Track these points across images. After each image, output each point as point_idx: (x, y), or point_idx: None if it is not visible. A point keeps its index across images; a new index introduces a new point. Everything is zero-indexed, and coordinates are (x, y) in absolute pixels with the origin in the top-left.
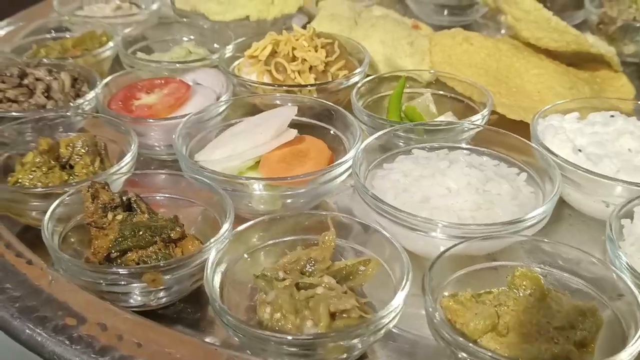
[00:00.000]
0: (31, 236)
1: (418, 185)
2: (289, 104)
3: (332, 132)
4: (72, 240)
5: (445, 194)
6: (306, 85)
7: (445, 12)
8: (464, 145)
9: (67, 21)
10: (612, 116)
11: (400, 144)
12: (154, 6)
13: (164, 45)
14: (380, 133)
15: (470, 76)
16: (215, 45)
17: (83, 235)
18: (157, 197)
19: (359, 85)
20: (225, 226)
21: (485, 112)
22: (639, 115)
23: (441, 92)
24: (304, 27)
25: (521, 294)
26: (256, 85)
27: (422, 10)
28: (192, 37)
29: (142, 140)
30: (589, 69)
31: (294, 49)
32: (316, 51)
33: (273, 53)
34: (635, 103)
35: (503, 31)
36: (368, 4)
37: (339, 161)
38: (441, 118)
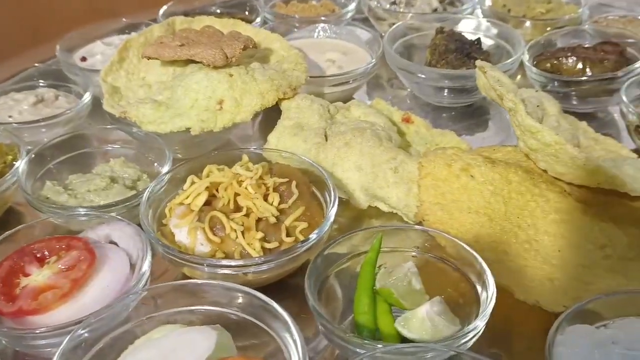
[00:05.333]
0: None
1: None
2: (211, 327)
3: (269, 334)
4: None
5: None
6: (255, 264)
7: (446, 92)
8: None
9: None
10: None
11: None
12: (86, 98)
13: (85, 161)
14: None
15: (469, 227)
16: (155, 163)
17: None
18: None
19: (316, 259)
20: None
21: (479, 320)
22: None
23: (429, 255)
24: None
25: None
26: (185, 262)
27: (420, 90)
28: (125, 147)
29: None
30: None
31: (236, 194)
32: (266, 198)
33: (210, 199)
34: None
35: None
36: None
37: None
38: (425, 308)
